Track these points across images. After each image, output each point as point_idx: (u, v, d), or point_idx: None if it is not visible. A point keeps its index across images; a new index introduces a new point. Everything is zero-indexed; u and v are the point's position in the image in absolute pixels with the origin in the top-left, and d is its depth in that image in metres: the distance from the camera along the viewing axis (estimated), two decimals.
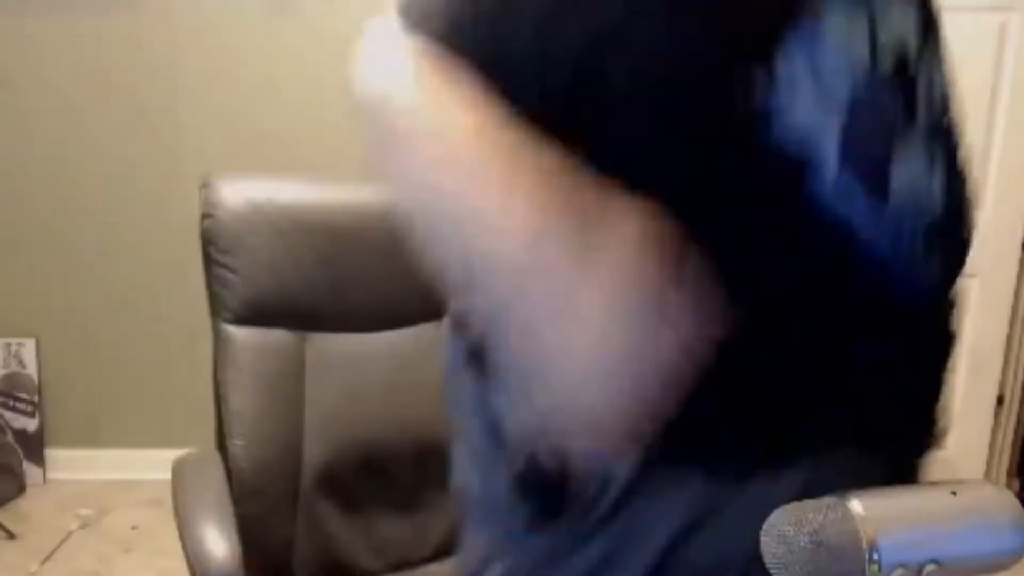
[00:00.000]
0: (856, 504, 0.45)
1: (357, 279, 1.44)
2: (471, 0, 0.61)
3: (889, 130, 0.61)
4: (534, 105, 0.57)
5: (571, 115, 0.57)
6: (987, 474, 2.66)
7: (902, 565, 0.44)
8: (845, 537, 0.44)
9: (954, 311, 0.70)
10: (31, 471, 2.64)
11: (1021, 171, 2.48)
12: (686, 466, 0.65)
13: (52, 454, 2.67)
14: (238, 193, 1.38)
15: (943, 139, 0.66)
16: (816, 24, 0.57)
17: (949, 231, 0.67)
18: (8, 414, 2.63)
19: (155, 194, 2.54)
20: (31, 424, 2.65)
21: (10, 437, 2.62)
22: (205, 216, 1.36)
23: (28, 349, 2.63)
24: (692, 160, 0.56)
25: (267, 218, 1.38)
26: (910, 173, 0.61)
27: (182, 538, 1.17)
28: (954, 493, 0.47)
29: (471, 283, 0.65)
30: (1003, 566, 0.47)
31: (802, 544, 0.45)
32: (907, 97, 0.62)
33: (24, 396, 2.64)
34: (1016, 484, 2.67)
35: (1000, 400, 2.67)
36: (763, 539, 0.46)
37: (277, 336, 1.38)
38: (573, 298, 0.58)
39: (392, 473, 1.44)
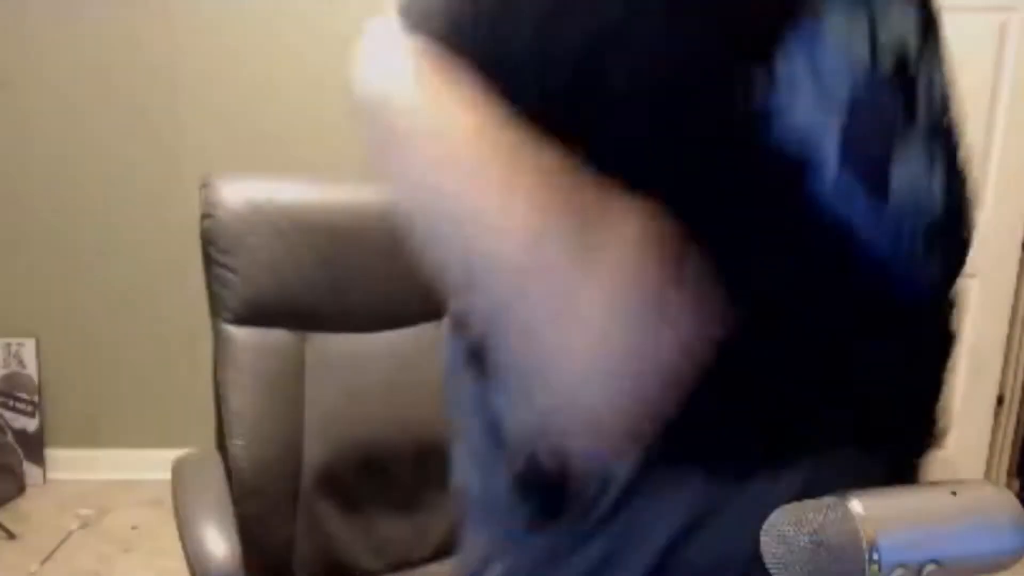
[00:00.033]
0: (856, 504, 0.45)
1: (357, 279, 1.44)
2: (471, 0, 0.61)
3: (889, 130, 0.61)
4: (534, 105, 0.57)
5: (571, 115, 0.56)
6: (987, 474, 2.66)
7: (902, 565, 0.44)
8: (845, 537, 0.44)
9: (954, 311, 0.70)
10: (31, 471, 2.64)
11: (1021, 171, 2.48)
12: (686, 466, 0.65)
13: (52, 454, 2.67)
14: (238, 193, 1.38)
15: (943, 139, 0.66)
16: (816, 24, 0.57)
17: (949, 231, 0.67)
18: (8, 414, 2.63)
19: (155, 194, 2.54)
20: (31, 424, 2.65)
21: (10, 437, 2.62)
22: (205, 216, 1.36)
23: (28, 349, 2.63)
24: (692, 160, 0.56)
25: (267, 218, 1.38)
26: (910, 173, 0.61)
27: (182, 538, 1.17)
28: (954, 493, 0.47)
29: (471, 283, 0.65)
30: (1003, 566, 0.47)
31: (802, 544, 0.45)
32: (907, 97, 0.63)
33: (24, 396, 2.64)
34: (1016, 484, 2.67)
35: (1000, 400, 2.67)
36: (763, 539, 0.46)
37: (277, 336, 1.38)
38: (573, 298, 0.58)
39: (392, 473, 1.44)
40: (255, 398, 1.34)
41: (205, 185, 1.37)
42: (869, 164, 0.59)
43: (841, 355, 0.64)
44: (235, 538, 1.15)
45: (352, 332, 1.44)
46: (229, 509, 1.23)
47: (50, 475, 2.67)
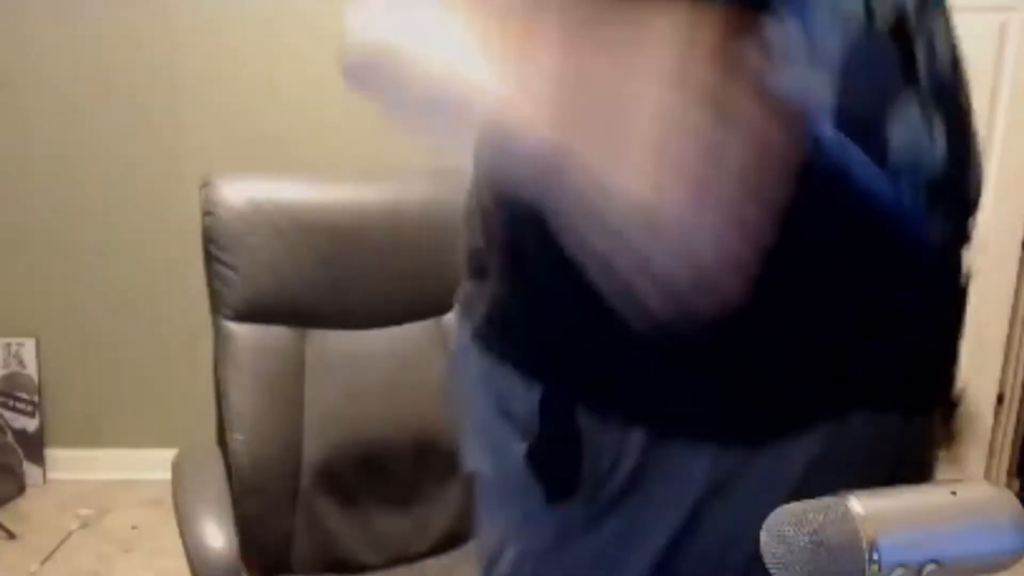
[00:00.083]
0: (856, 504, 0.45)
1: (356, 277, 1.45)
2: None
3: (884, 88, 0.61)
4: None
5: None
6: (987, 474, 2.66)
7: (902, 565, 0.44)
8: (845, 537, 0.44)
9: (963, 269, 0.70)
10: (31, 471, 2.64)
11: (1021, 171, 2.48)
12: (698, 439, 0.65)
13: (52, 454, 2.67)
14: (239, 192, 1.39)
15: (945, 99, 0.66)
16: None
17: (953, 189, 0.67)
18: (8, 414, 2.63)
19: (155, 194, 2.54)
20: (31, 424, 2.65)
21: (10, 437, 2.62)
22: (206, 214, 1.37)
23: (28, 349, 2.62)
24: None
25: (267, 217, 1.39)
26: (908, 130, 0.61)
27: (181, 531, 1.18)
28: (954, 493, 0.47)
29: (506, 156, 0.62)
30: (1003, 566, 0.47)
31: (802, 544, 0.45)
32: (905, 57, 0.63)
33: (24, 396, 2.64)
34: (1016, 484, 2.67)
35: (1000, 399, 2.67)
36: (763, 539, 0.46)
37: (277, 333, 1.39)
38: (621, 119, 0.54)
39: (391, 468, 1.45)
40: (255, 394, 1.35)
41: (206, 184, 1.39)
42: (863, 120, 0.59)
43: (852, 315, 0.64)
44: (233, 531, 1.16)
45: (351, 329, 1.45)
46: (228, 504, 1.23)
47: (50, 475, 2.67)
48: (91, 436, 2.69)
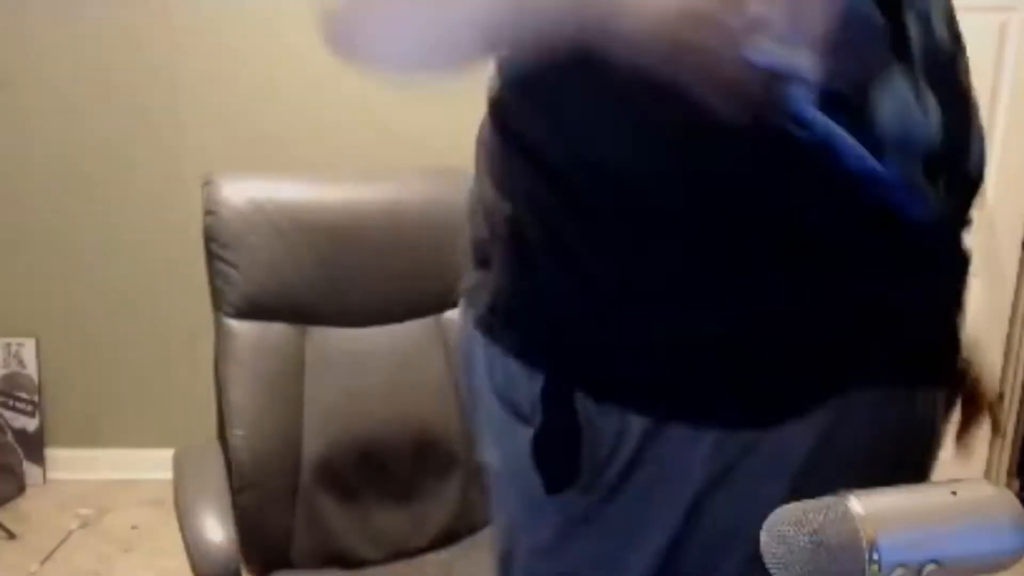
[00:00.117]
0: (856, 504, 0.45)
1: (356, 275, 1.46)
2: None
3: (872, 64, 0.61)
4: None
5: None
6: (987, 474, 2.66)
7: (902, 565, 0.44)
8: (845, 537, 0.44)
9: (964, 243, 0.70)
10: (31, 471, 2.64)
11: (1021, 171, 2.48)
12: (699, 424, 0.65)
13: (52, 454, 2.67)
14: (240, 191, 1.41)
15: (942, 73, 0.65)
16: None
17: (952, 163, 0.67)
18: (8, 414, 2.63)
19: (155, 194, 2.54)
20: (31, 424, 2.65)
21: (10, 437, 2.62)
22: (208, 213, 1.38)
23: (28, 349, 2.62)
24: None
25: (268, 216, 1.41)
26: (897, 105, 0.61)
27: (180, 523, 1.19)
28: (954, 493, 0.47)
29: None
30: (1003, 566, 0.47)
31: (802, 544, 0.45)
32: (895, 32, 0.62)
33: (24, 396, 2.64)
34: (1016, 484, 2.67)
35: (1000, 399, 2.67)
36: (763, 539, 0.46)
37: (277, 330, 1.40)
38: None
39: (390, 465, 1.46)
40: (255, 390, 1.36)
41: (207, 183, 1.41)
42: (849, 96, 0.59)
43: (852, 295, 0.64)
44: (233, 526, 1.16)
45: (351, 327, 1.46)
46: (228, 499, 1.24)
47: (50, 475, 2.67)
48: (91, 436, 2.69)
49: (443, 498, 1.48)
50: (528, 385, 0.69)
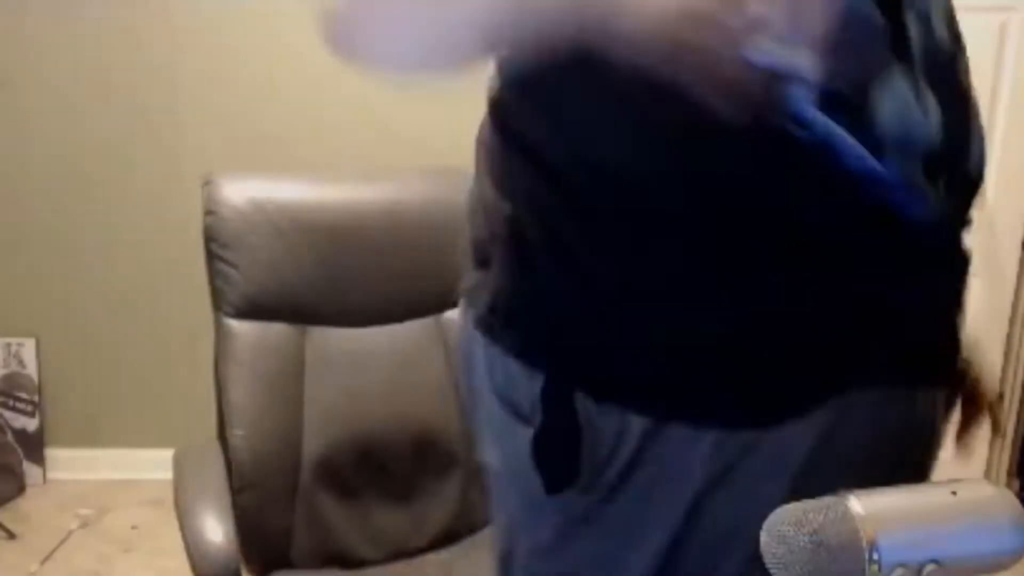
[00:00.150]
0: (856, 504, 0.45)
1: (356, 275, 1.47)
2: None
3: (871, 64, 0.61)
4: None
5: None
6: (987, 474, 2.66)
7: (902, 565, 0.44)
8: (845, 537, 0.44)
9: (964, 243, 0.70)
10: (31, 471, 2.64)
11: (1021, 171, 2.48)
12: (699, 424, 0.65)
13: (52, 454, 2.67)
14: (240, 191, 1.41)
15: (942, 73, 0.65)
16: None
17: (953, 162, 0.67)
18: (8, 414, 2.63)
19: (155, 194, 2.54)
20: (31, 424, 2.65)
21: (10, 437, 2.62)
22: (208, 213, 1.39)
23: (28, 349, 2.62)
24: None
25: (268, 216, 1.41)
26: (896, 104, 0.61)
27: (180, 523, 1.19)
28: (954, 493, 0.47)
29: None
30: (1003, 566, 0.47)
31: (802, 544, 0.45)
32: (895, 33, 0.62)
33: (24, 396, 2.64)
34: (1016, 484, 2.67)
35: (1000, 399, 2.67)
36: (763, 539, 0.46)
37: (277, 330, 1.41)
38: None
39: (390, 465, 1.47)
40: (255, 390, 1.37)
41: (208, 183, 1.41)
42: (849, 96, 0.59)
43: (851, 294, 0.64)
44: (232, 526, 1.17)
45: (351, 327, 1.46)
46: (228, 498, 1.25)
47: (50, 475, 2.67)
48: (91, 436, 2.69)
49: (443, 498, 1.48)
50: (528, 385, 0.69)
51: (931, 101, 0.63)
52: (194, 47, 2.48)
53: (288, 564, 1.38)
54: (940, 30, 0.67)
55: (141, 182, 2.55)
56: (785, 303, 0.63)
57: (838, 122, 0.58)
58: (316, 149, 2.49)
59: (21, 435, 2.63)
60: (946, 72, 0.66)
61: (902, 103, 0.61)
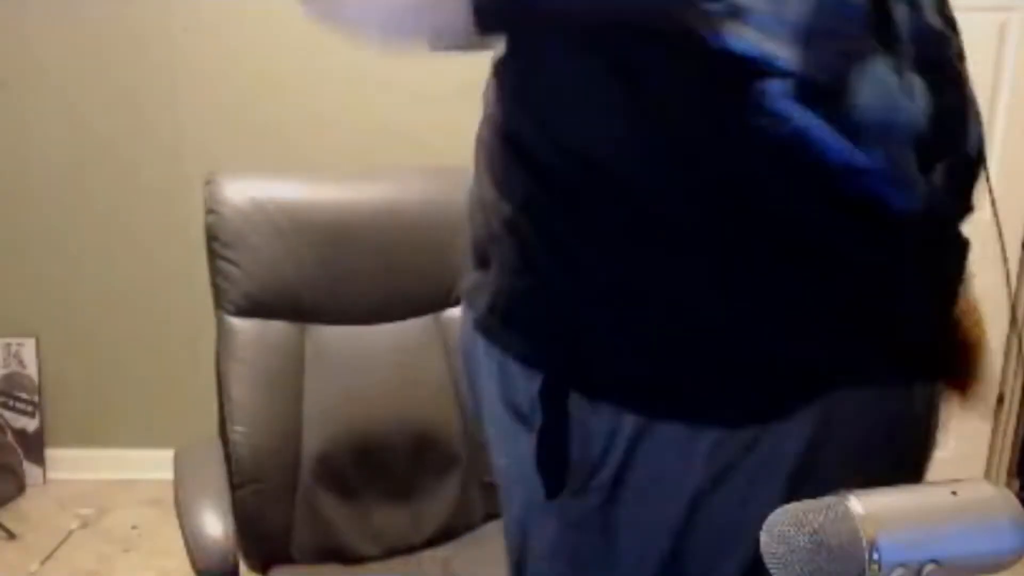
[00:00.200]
0: (856, 504, 0.45)
1: (355, 274, 1.48)
2: None
3: (852, 51, 0.61)
4: None
5: None
6: (987, 474, 2.66)
7: (902, 565, 0.44)
8: (845, 537, 0.44)
9: (961, 232, 0.70)
10: (31, 471, 2.64)
11: (1021, 171, 2.48)
12: (698, 421, 0.65)
13: (52, 454, 2.67)
14: (241, 190, 1.43)
15: (932, 57, 0.65)
16: None
17: (950, 145, 0.66)
18: (8, 414, 2.63)
19: (155, 194, 2.54)
20: (31, 424, 2.65)
21: (10, 437, 2.62)
22: (209, 212, 1.40)
23: (28, 349, 2.62)
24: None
25: (269, 215, 1.42)
26: (878, 91, 0.61)
27: (180, 519, 1.19)
28: (954, 493, 0.47)
29: None
30: (1003, 566, 0.47)
31: (802, 544, 0.45)
32: (881, 22, 0.62)
33: (24, 396, 2.64)
34: (1016, 484, 2.67)
35: (1000, 400, 2.67)
36: (763, 539, 0.46)
37: (277, 328, 1.42)
38: None
39: (389, 462, 1.47)
40: (256, 387, 1.38)
41: (209, 182, 1.42)
42: (828, 84, 0.59)
43: (840, 276, 0.64)
44: (231, 521, 1.17)
45: (351, 325, 1.47)
46: (228, 494, 1.25)
47: (50, 475, 2.67)
48: (91, 436, 2.68)
49: (442, 495, 1.49)
50: (527, 386, 0.69)
51: (919, 85, 0.63)
52: (194, 47, 2.48)
53: (288, 559, 1.39)
54: (930, 14, 0.66)
55: (141, 182, 2.55)
56: (782, 301, 0.63)
57: (817, 112, 0.58)
58: (316, 149, 2.49)
59: (21, 435, 2.63)
60: (937, 55, 0.66)
61: (883, 88, 0.61)
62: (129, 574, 2.22)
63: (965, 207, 0.70)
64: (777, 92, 0.56)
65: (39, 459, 2.66)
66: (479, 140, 0.76)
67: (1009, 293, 0.82)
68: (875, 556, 0.44)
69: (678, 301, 0.64)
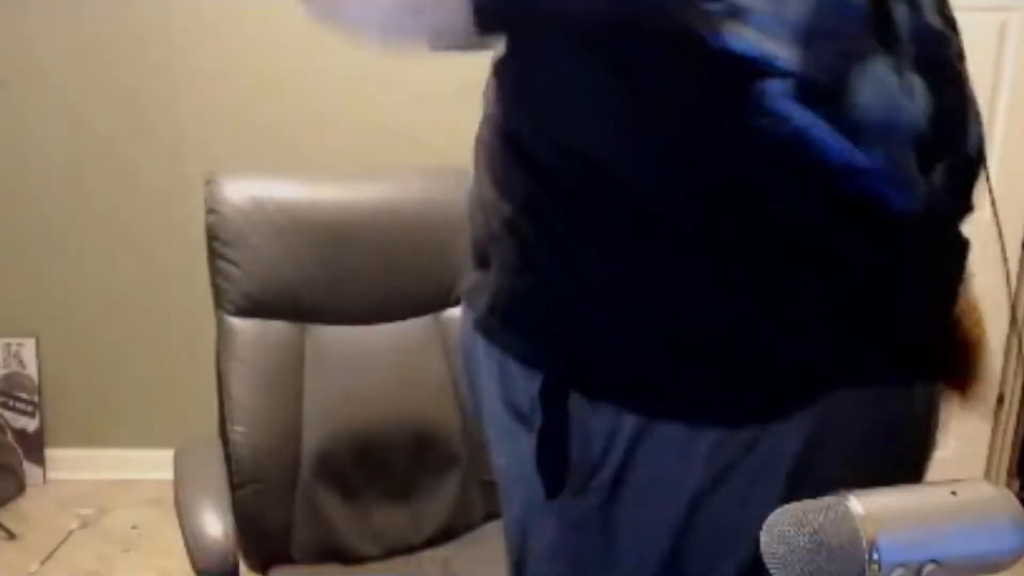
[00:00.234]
0: (856, 504, 0.45)
1: (355, 274, 1.48)
2: None
3: (852, 51, 0.61)
4: None
5: None
6: (987, 474, 2.66)
7: (902, 565, 0.44)
8: (845, 537, 0.44)
9: (961, 232, 0.70)
10: (31, 471, 2.64)
11: (1021, 171, 2.48)
12: (698, 421, 0.65)
13: (52, 454, 2.67)
14: (242, 190, 1.43)
15: (932, 56, 0.65)
16: None
17: (950, 145, 0.66)
18: (8, 414, 2.63)
19: (155, 194, 2.54)
20: (31, 424, 2.65)
21: (10, 437, 2.62)
22: (210, 211, 1.40)
23: (28, 349, 2.62)
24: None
25: (269, 215, 1.42)
26: (878, 90, 0.61)
27: (180, 518, 1.19)
28: (954, 493, 0.47)
29: None
30: (1003, 566, 0.47)
31: (802, 544, 0.45)
32: (881, 23, 0.62)
33: (24, 396, 2.64)
34: (1016, 484, 2.67)
35: (1000, 400, 2.67)
36: (763, 539, 0.46)
37: (277, 327, 1.42)
38: None
39: (389, 462, 1.47)
40: (255, 387, 1.38)
41: (210, 182, 1.43)
42: (828, 84, 0.59)
43: (840, 276, 0.64)
44: (231, 521, 1.17)
45: (350, 325, 1.47)
46: (228, 494, 1.25)
47: (50, 475, 2.67)
48: (91, 436, 2.68)
49: (441, 495, 1.49)
50: (527, 386, 0.69)
51: (919, 85, 0.63)
52: (194, 47, 2.48)
53: (287, 559, 1.39)
54: (930, 14, 0.66)
55: (141, 182, 2.55)
56: (782, 301, 0.63)
57: (817, 112, 0.58)
58: (316, 149, 2.49)
59: (21, 435, 2.63)
60: (937, 55, 0.66)
61: (883, 88, 0.61)
62: (129, 574, 2.22)
63: (965, 207, 0.70)
64: (777, 92, 0.56)
65: (39, 459, 2.66)
66: (479, 140, 0.76)
67: (1009, 293, 0.81)
68: (875, 556, 0.44)
69: (678, 301, 0.64)
